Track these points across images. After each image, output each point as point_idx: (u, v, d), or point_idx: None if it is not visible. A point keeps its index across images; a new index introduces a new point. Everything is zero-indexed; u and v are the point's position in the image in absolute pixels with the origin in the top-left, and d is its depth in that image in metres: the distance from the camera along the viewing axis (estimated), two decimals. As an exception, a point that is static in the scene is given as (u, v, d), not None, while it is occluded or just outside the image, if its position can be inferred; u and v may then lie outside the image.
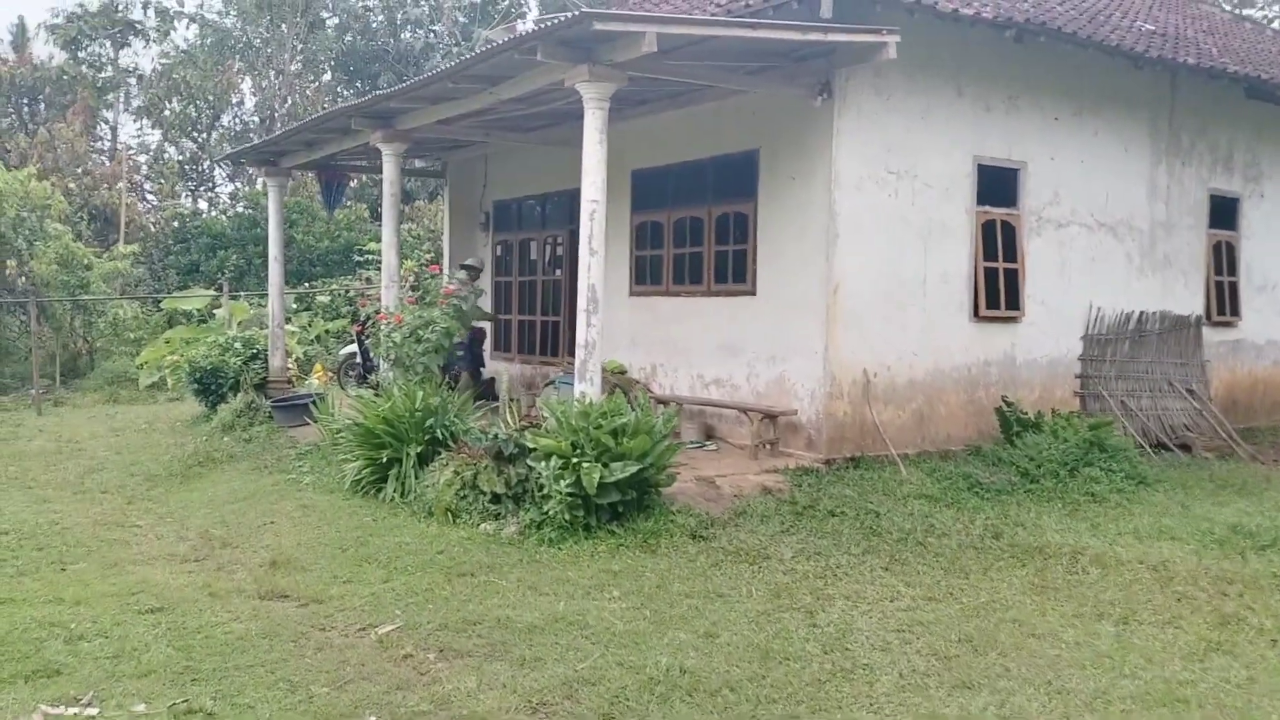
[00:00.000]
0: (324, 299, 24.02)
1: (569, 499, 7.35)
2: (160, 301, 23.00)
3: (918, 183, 10.18)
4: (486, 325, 14.35)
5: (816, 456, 9.68)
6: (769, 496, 8.58)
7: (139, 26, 36.44)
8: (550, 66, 8.40)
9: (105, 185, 30.22)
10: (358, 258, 24.64)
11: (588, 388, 8.21)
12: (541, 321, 14.33)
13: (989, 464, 9.89)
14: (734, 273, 10.74)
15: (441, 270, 12.89)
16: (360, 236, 26.02)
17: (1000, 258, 10.91)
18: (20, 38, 36.47)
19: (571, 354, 12.79)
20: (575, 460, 7.41)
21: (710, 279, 11.01)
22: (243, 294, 23.36)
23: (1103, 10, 12.14)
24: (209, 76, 33.20)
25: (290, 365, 17.23)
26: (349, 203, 27.51)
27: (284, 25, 34.43)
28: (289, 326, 21.34)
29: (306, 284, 25.05)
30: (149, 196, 34.58)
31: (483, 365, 14.09)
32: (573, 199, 12.95)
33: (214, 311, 21.68)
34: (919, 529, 7.94)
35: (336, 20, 36.92)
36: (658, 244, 11.82)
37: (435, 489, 8.18)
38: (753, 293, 10.43)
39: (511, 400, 9.35)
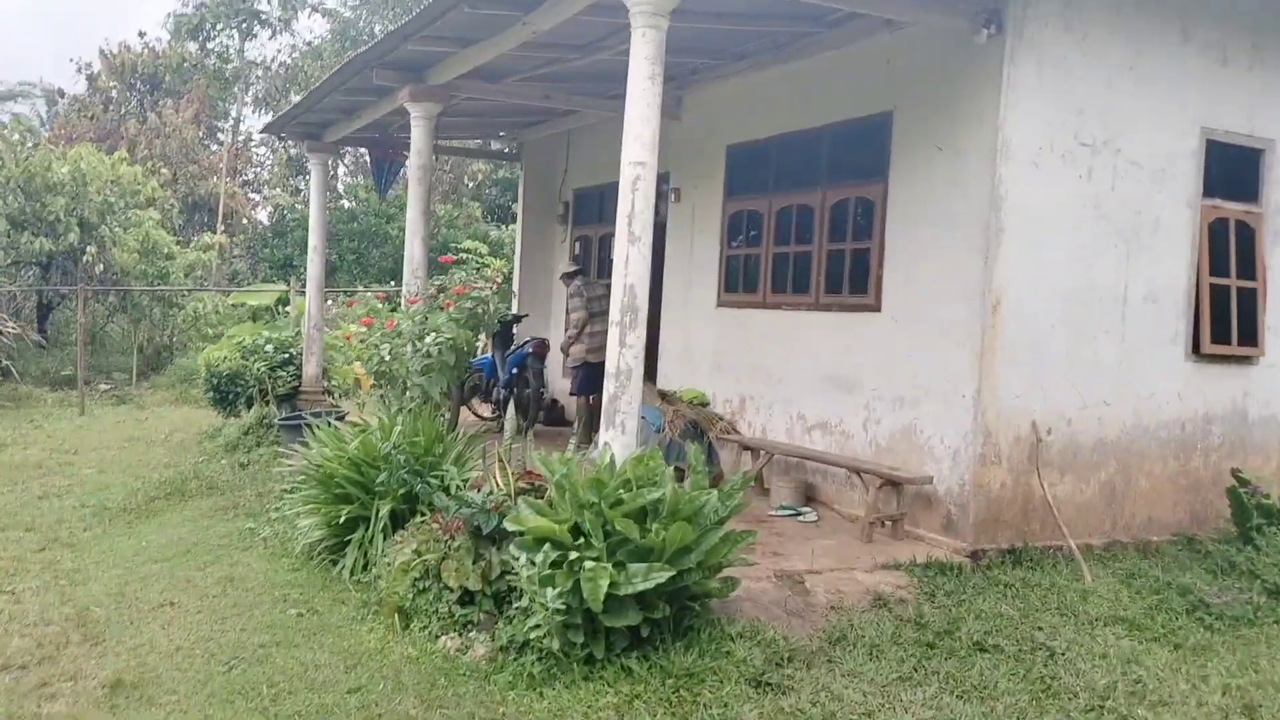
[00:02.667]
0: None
1: (561, 616, 4.72)
2: (229, 295, 21.42)
3: (1120, 160, 7.17)
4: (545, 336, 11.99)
5: (958, 545, 6.79)
6: (884, 611, 5.76)
7: (263, 16, 35.69)
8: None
9: (214, 175, 29.24)
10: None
11: (615, 438, 5.57)
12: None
13: (1215, 570, 6.80)
14: (852, 279, 7.93)
15: (505, 278, 10.61)
16: (456, 234, 24.03)
17: (1233, 272, 7.77)
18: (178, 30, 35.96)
19: (653, 377, 10.21)
20: (577, 555, 4.78)
21: (820, 287, 8.21)
22: (328, 291, 21.60)
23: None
24: (330, 69, 31.93)
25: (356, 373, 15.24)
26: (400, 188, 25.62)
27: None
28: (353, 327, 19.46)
29: (391, 282, 23.19)
30: (262, 189, 33.68)
31: (544, 386, 11.60)
32: (661, 184, 10.40)
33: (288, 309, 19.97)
34: (1120, 688, 5.00)
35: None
36: (755, 239, 9.09)
37: (389, 574, 5.68)
38: (875, 307, 7.60)
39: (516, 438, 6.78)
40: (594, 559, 4.73)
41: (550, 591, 4.72)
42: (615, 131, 11.00)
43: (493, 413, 12.09)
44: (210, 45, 35.00)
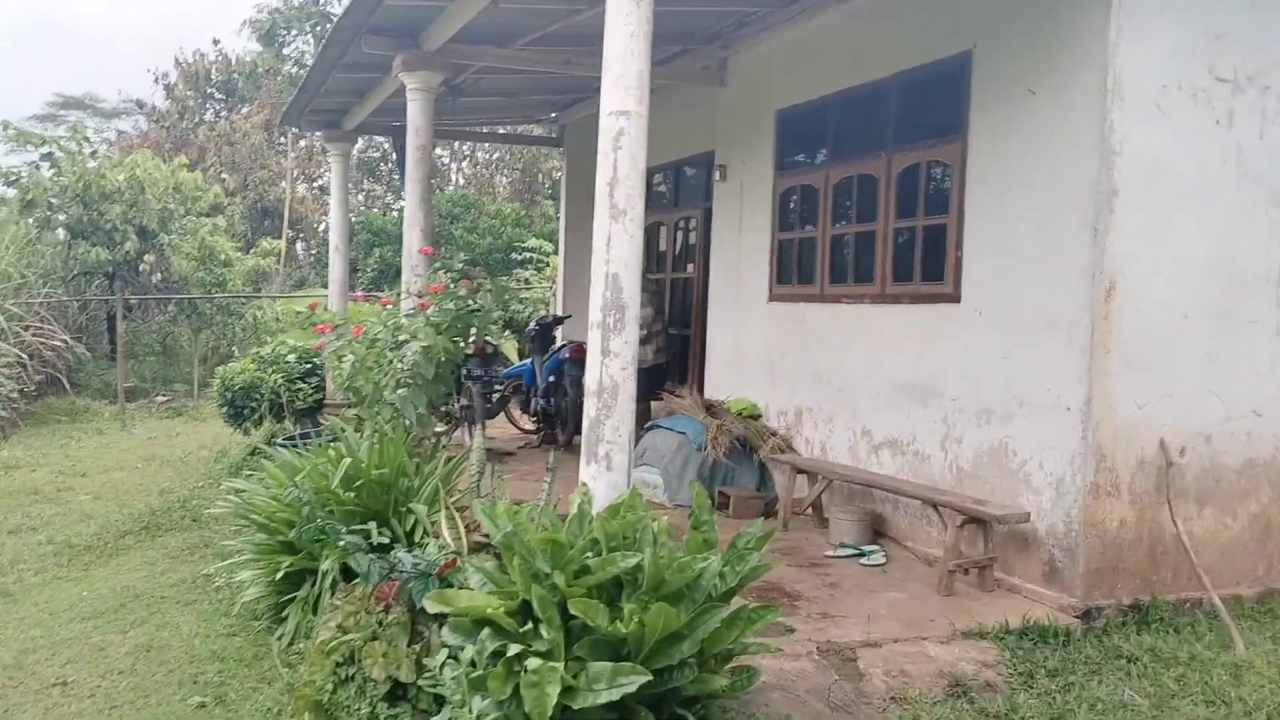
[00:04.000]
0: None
1: (498, 733, 3.40)
2: (276, 301, 20.69)
3: (1271, 101, 5.55)
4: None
5: (1064, 600, 5.26)
6: (963, 702, 4.30)
7: (335, 18, 35.22)
8: None
9: (282, 181, 28.82)
10: (515, 255, 21.58)
11: (597, 476, 4.21)
12: (669, 336, 10.37)
13: None
14: (924, 264, 6.43)
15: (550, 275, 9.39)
16: (523, 233, 22.96)
17: None
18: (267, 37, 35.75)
19: (700, 385, 8.85)
20: (522, 646, 3.45)
21: (886, 274, 6.73)
22: (386, 293, 20.75)
23: None
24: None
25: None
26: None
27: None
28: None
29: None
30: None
31: (583, 395, 10.29)
32: (710, 165, 9.02)
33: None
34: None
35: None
36: (810, 219, 7.64)
37: (308, 657, 4.43)
38: (954, 297, 6.09)
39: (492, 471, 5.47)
40: (542, 654, 3.40)
41: (480, 701, 3.40)
42: (660, 109, 9.71)
43: (535, 425, 10.86)
44: (286, 51, 34.73)
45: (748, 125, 8.33)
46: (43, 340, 16.90)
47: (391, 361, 5.90)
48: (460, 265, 23.13)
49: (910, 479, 6.32)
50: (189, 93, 33.07)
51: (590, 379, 4.29)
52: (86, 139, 20.90)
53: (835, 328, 7.19)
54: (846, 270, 7.17)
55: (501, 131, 14.27)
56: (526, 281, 21.02)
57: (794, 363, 7.64)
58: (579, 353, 10.03)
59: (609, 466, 4.24)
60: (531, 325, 11.11)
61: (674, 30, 8.53)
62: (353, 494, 5.24)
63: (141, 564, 6.83)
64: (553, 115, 12.14)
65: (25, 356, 15.14)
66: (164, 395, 18.70)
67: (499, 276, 21.88)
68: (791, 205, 7.87)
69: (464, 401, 9.72)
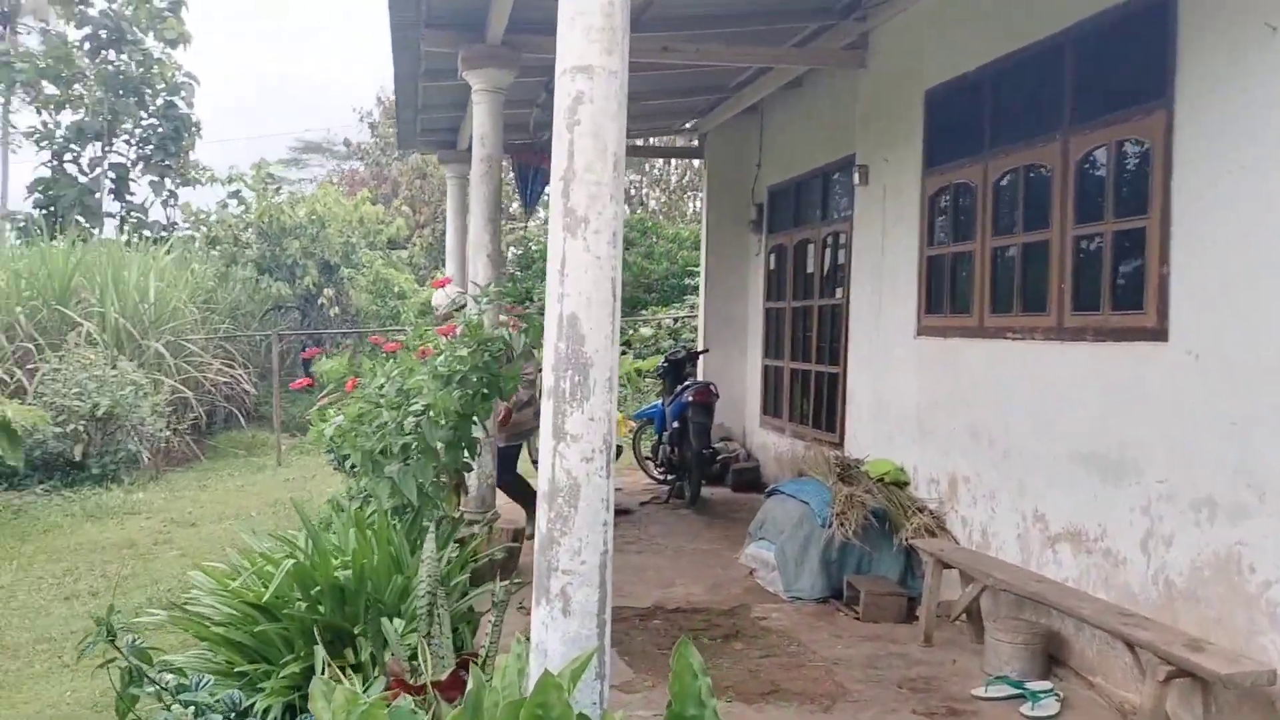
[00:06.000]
0: (646, 331, 19.90)
1: None
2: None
3: None
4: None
5: (1341, 817, 3.32)
6: None
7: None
8: None
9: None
10: (688, 280, 20.31)
11: (548, 623, 2.75)
12: (816, 374, 8.71)
13: None
14: (1116, 285, 4.57)
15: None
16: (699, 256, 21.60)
17: None
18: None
19: (839, 438, 7.22)
20: None
21: (1063, 301, 4.89)
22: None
23: None
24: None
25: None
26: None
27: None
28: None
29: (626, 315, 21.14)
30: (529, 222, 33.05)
31: (708, 444, 8.77)
32: (844, 167, 7.39)
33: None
34: None
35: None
36: (966, 231, 5.86)
37: None
38: (1158, 333, 4.22)
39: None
40: None
41: None
42: (802, 100, 8.06)
43: (661, 474, 9.45)
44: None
45: (891, 113, 6.64)
46: (216, 376, 17.00)
47: (387, 424, 4.64)
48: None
49: (1097, 590, 4.47)
50: (391, 129, 33.88)
51: (541, 475, 2.83)
52: (271, 176, 21.31)
53: (997, 371, 5.39)
54: (1011, 295, 5.36)
55: (639, 144, 12.97)
56: (694, 308, 19.72)
57: (947, 416, 5.87)
58: (703, 395, 8.58)
59: (566, 609, 2.76)
60: (661, 362, 9.72)
61: (806, 5, 7.00)
62: (304, 603, 3.98)
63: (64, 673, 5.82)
64: (693, 123, 10.74)
65: (189, 392, 15.11)
66: (329, 430, 18.52)
67: (670, 304, 20.74)
68: (943, 211, 6.11)
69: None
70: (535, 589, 2.82)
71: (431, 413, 4.53)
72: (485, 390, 4.80)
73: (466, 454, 4.86)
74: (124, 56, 31.19)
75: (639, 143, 13.02)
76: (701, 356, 10.31)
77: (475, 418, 4.76)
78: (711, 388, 8.87)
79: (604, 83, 2.79)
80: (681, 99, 9.58)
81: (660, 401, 9.60)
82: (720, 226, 10.61)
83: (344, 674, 3.67)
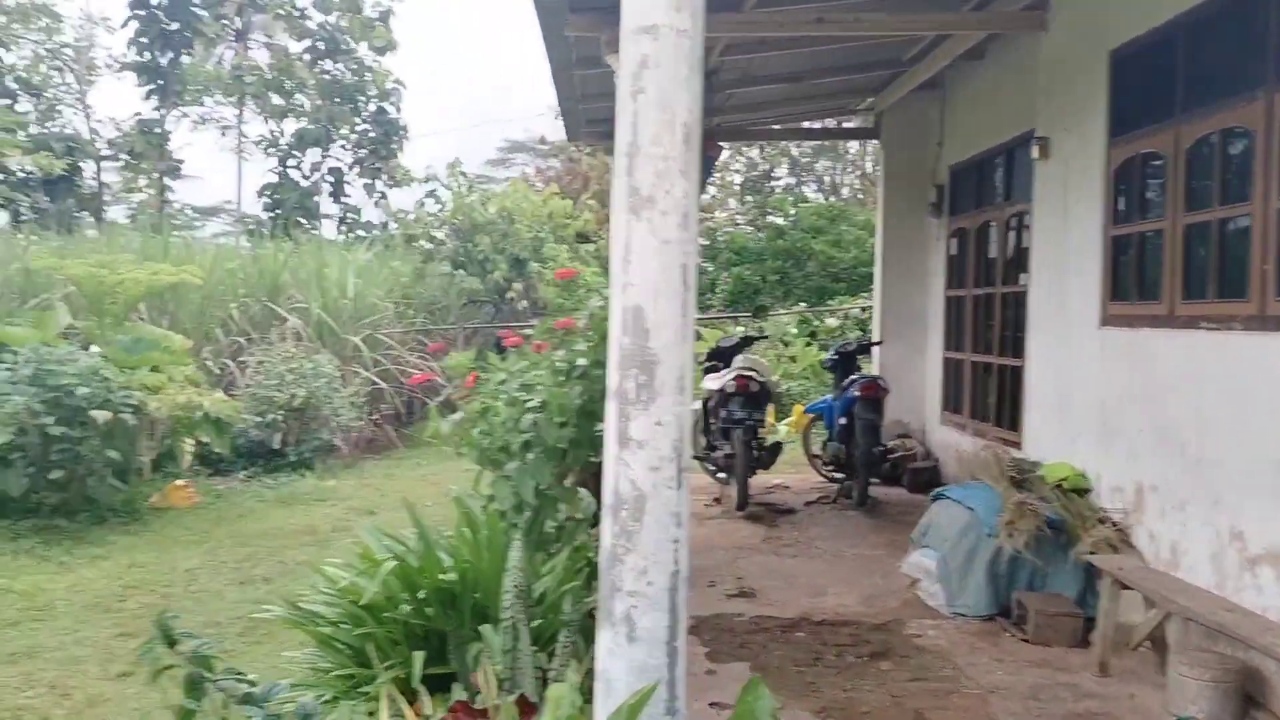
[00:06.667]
0: (833, 322, 19.27)
1: None
2: None
3: None
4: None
5: None
6: None
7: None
8: None
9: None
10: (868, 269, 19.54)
11: (612, 651, 2.47)
12: (999, 366, 8.04)
13: None
14: (1332, 265, 3.86)
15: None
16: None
17: None
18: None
19: (1015, 434, 6.65)
20: None
21: (1266, 285, 4.18)
22: (736, 316, 19.67)
23: None
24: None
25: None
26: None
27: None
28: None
29: (803, 305, 20.60)
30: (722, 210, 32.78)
31: (878, 442, 8.23)
32: (1024, 143, 6.77)
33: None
34: None
35: None
36: (1155, 207, 5.17)
37: None
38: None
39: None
40: None
41: None
42: (998, 71, 7.48)
43: (829, 473, 9.00)
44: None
45: (1073, 78, 5.97)
46: (411, 369, 17.68)
47: (505, 421, 4.49)
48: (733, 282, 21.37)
49: (1305, 625, 3.80)
50: (584, 123, 34.37)
51: (605, 485, 2.57)
52: (464, 174, 21.99)
53: (1189, 366, 4.71)
54: (1206, 279, 4.67)
55: (812, 127, 12.40)
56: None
57: (1134, 416, 5.20)
58: (872, 390, 8.08)
59: (631, 635, 2.50)
60: (831, 353, 9.26)
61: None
62: (410, 607, 3.89)
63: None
64: (869, 102, 10.17)
65: (384, 384, 15.73)
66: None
67: (860, 293, 20.01)
68: (1129, 186, 5.42)
69: (727, 449, 8.12)
70: (600, 611, 2.57)
71: (548, 410, 4.35)
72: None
73: (593, 453, 4.65)
74: (339, 65, 33.02)
75: (815, 125, 12.50)
76: (876, 348, 9.77)
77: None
78: (880, 382, 8.34)
79: (671, 44, 2.50)
80: (854, 75, 9.06)
81: (830, 396, 9.14)
82: (898, 210, 10.00)
83: (435, 686, 3.54)
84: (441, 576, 3.95)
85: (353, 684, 3.85)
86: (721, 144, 10.31)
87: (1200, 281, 4.71)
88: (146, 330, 11.46)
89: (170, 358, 11.04)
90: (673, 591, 2.51)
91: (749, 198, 30.72)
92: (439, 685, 3.72)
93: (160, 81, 31.35)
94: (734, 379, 7.98)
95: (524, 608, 3.47)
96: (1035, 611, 5.09)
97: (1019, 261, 7.76)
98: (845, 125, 12.76)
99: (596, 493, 5.43)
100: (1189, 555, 4.64)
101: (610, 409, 2.55)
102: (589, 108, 9.34)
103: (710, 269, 23.56)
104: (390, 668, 3.72)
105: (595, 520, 5.82)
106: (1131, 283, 5.33)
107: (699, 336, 10.11)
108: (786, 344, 18.56)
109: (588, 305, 4.88)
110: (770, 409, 10.30)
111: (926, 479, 8.98)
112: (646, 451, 2.49)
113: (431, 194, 21.99)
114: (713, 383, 8.38)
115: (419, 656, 3.68)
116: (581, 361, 4.51)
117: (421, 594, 3.95)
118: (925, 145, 9.69)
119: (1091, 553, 5.15)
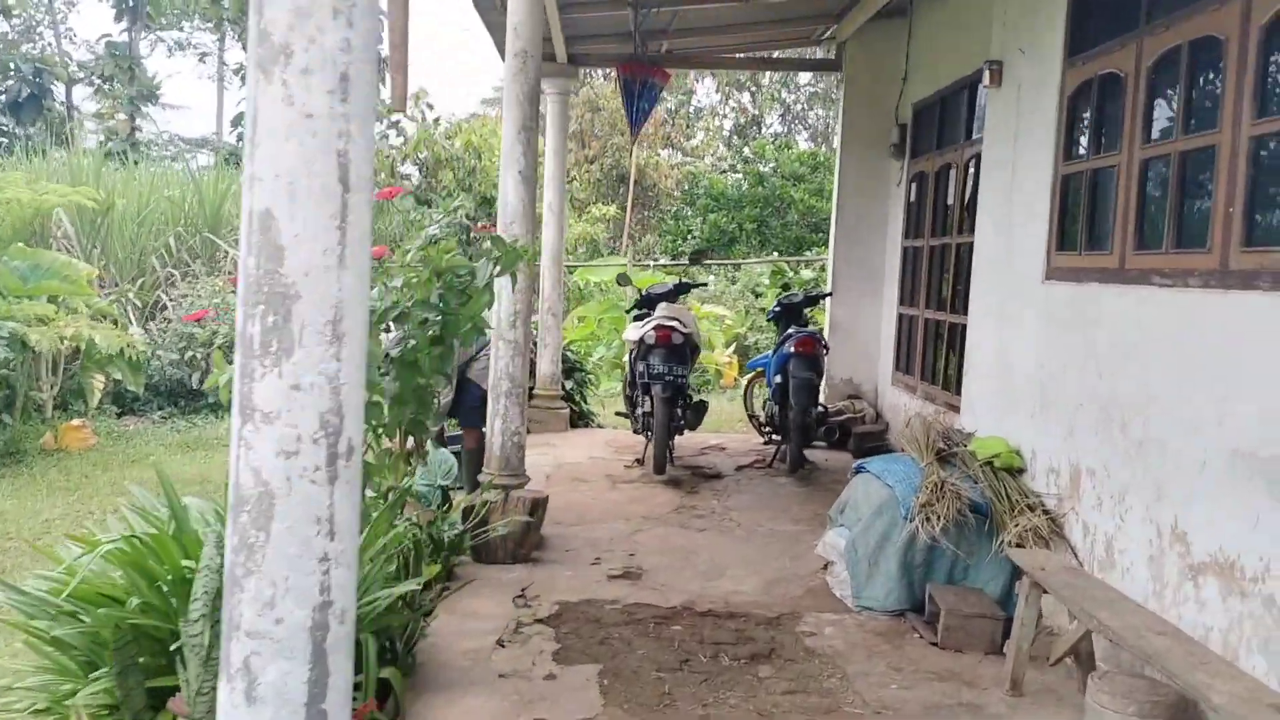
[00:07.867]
0: (808, 274, 18.43)
1: None
2: (574, 271, 19.19)
3: None
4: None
5: None
6: None
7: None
8: None
9: (638, 146, 27.77)
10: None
11: (230, 713, 1.73)
12: (950, 325, 7.25)
13: None
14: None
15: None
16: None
17: None
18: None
19: (960, 389, 5.91)
20: None
21: (1230, 232, 3.38)
22: (709, 265, 18.81)
23: None
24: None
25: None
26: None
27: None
28: (718, 309, 16.26)
29: (775, 254, 19.76)
30: (704, 156, 31.70)
31: (814, 402, 7.47)
32: (979, 72, 5.92)
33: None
34: None
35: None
36: (1112, 135, 4.34)
37: None
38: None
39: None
40: None
41: None
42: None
43: (767, 433, 8.27)
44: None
45: (1031, -9, 5.11)
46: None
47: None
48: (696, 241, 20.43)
49: (1250, 654, 3.05)
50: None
51: (230, 475, 1.78)
52: (430, 105, 20.97)
53: (1139, 330, 3.92)
54: (1162, 226, 3.86)
55: (769, 57, 11.37)
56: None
57: (1075, 387, 4.42)
58: (807, 345, 7.31)
59: (250, 693, 1.73)
60: (774, 305, 8.45)
61: None
62: (139, 600, 3.12)
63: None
64: (831, 30, 9.25)
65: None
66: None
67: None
68: (1086, 114, 4.59)
69: (646, 407, 7.36)
70: (222, 662, 1.80)
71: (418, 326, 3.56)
72: (438, 333, 3.79)
73: (416, 411, 3.86)
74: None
75: (772, 55, 11.53)
76: (827, 301, 8.97)
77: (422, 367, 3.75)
78: (818, 337, 7.56)
79: None
80: (811, -1, 8.15)
81: (771, 352, 8.36)
82: (857, 152, 9.14)
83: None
84: (185, 563, 3.18)
85: (65, 694, 3.10)
86: (669, 70, 9.38)
87: (1156, 229, 3.90)
88: (48, 257, 10.60)
89: (70, 288, 10.20)
90: (317, 631, 1.74)
91: (736, 141, 29.72)
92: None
93: (130, 2, 30.15)
94: (654, 329, 7.17)
95: (213, 622, 2.70)
96: (947, 611, 4.34)
97: (974, 208, 6.94)
98: (811, 58, 11.79)
99: (408, 459, 4.48)
100: (1125, 555, 3.89)
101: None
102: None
103: (689, 214, 22.65)
104: (100, 678, 2.97)
105: (446, 495, 5.06)
106: (1081, 230, 4.52)
107: (628, 281, 9.20)
108: (758, 295, 17.76)
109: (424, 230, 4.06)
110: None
111: (874, 444, 8.23)
112: (277, 428, 1.70)
113: (395, 125, 21.01)
114: (633, 333, 7.58)
115: (100, 678, 2.92)
116: (400, 301, 3.71)
117: (163, 585, 3.19)
118: (889, 81, 8.79)
119: (1017, 544, 4.40)
